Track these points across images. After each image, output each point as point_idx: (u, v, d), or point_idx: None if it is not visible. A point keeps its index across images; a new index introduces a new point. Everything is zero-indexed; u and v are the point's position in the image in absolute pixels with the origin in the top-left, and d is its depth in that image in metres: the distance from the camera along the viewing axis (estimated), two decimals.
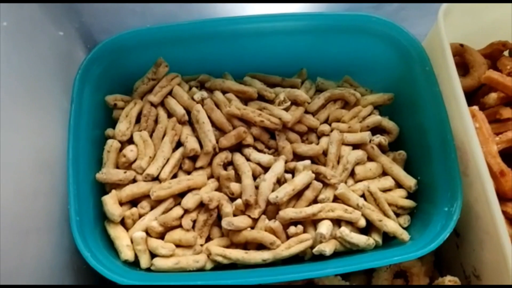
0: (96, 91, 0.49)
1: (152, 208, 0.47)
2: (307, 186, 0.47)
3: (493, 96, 0.49)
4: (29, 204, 0.38)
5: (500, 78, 0.47)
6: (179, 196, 0.47)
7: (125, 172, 0.47)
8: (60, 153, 0.44)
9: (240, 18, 0.52)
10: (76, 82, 0.46)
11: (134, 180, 0.47)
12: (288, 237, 0.45)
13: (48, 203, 0.41)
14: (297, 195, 0.47)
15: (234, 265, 0.45)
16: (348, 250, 0.46)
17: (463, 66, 0.53)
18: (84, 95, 0.47)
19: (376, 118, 0.52)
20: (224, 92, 0.52)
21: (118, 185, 0.47)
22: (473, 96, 0.53)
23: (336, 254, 0.45)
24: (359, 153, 0.49)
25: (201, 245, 0.46)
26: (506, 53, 0.55)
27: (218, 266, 0.45)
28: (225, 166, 0.49)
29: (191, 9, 0.50)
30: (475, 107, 0.46)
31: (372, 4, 0.52)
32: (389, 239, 0.47)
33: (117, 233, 0.45)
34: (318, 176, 0.48)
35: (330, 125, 0.52)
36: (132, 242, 0.45)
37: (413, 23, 0.50)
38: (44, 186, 0.41)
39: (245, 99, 0.53)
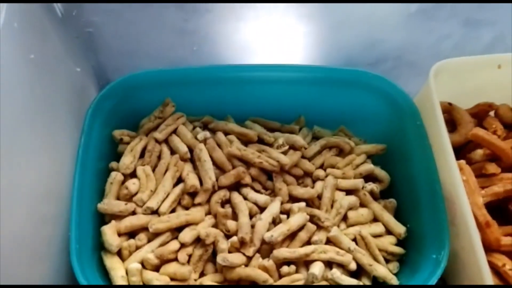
0: (105, 126, 0.51)
1: (149, 240, 0.48)
2: (301, 227, 0.48)
3: (479, 152, 0.52)
4: (36, 231, 0.39)
5: (486, 135, 0.50)
6: (176, 231, 0.48)
7: (125, 204, 0.48)
8: (67, 182, 0.46)
9: (245, 66, 0.55)
10: (88, 116, 0.49)
11: (133, 212, 0.49)
12: (280, 276, 0.46)
13: (52, 230, 0.42)
14: (291, 236, 0.48)
15: None
16: None
17: (451, 123, 0.56)
18: (93, 129, 0.49)
19: (369, 166, 0.55)
20: (226, 133, 0.55)
21: (118, 216, 0.48)
22: (460, 152, 0.56)
23: None
24: (352, 199, 0.51)
25: (195, 280, 0.46)
26: (492, 113, 0.58)
27: None
28: (223, 204, 0.51)
29: (201, 55, 0.54)
30: (463, 161, 0.49)
31: (368, 61, 0.56)
32: (378, 284, 0.48)
33: (113, 264, 0.46)
34: (312, 218, 0.49)
35: (325, 170, 0.55)
36: (127, 273, 0.45)
37: (405, 81, 0.54)
38: (50, 213, 0.42)
39: (246, 142, 0.55)
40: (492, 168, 0.50)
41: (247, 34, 0.54)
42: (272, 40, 0.54)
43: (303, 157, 0.55)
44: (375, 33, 0.54)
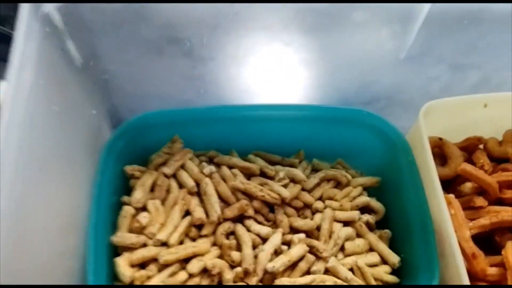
0: (118, 162, 0.55)
1: (159, 271, 0.51)
2: (301, 258, 0.52)
3: (468, 186, 0.55)
4: (56, 263, 0.43)
5: (473, 170, 0.54)
6: (184, 261, 0.52)
7: (137, 237, 0.52)
8: (83, 217, 0.49)
9: (248, 106, 0.59)
10: (102, 154, 0.52)
11: (144, 244, 0.52)
12: None
13: (70, 262, 0.46)
14: (292, 266, 0.52)
15: None
16: None
17: (442, 157, 0.60)
18: (108, 166, 0.53)
19: (365, 198, 0.58)
20: (230, 167, 0.58)
21: (130, 248, 0.52)
22: (451, 183, 0.59)
23: None
24: (349, 230, 0.55)
25: None
26: (481, 146, 0.62)
27: None
28: (228, 235, 0.54)
29: (207, 97, 0.58)
30: (451, 195, 0.52)
31: (363, 101, 0.60)
32: None
33: None
34: (311, 249, 0.53)
35: (323, 202, 0.58)
36: None
37: (397, 118, 0.57)
38: (68, 247, 0.46)
39: (249, 175, 0.59)
40: (480, 201, 0.53)
41: (248, 78, 0.58)
42: (272, 83, 0.59)
43: (303, 189, 0.58)
44: (368, 76, 0.58)
